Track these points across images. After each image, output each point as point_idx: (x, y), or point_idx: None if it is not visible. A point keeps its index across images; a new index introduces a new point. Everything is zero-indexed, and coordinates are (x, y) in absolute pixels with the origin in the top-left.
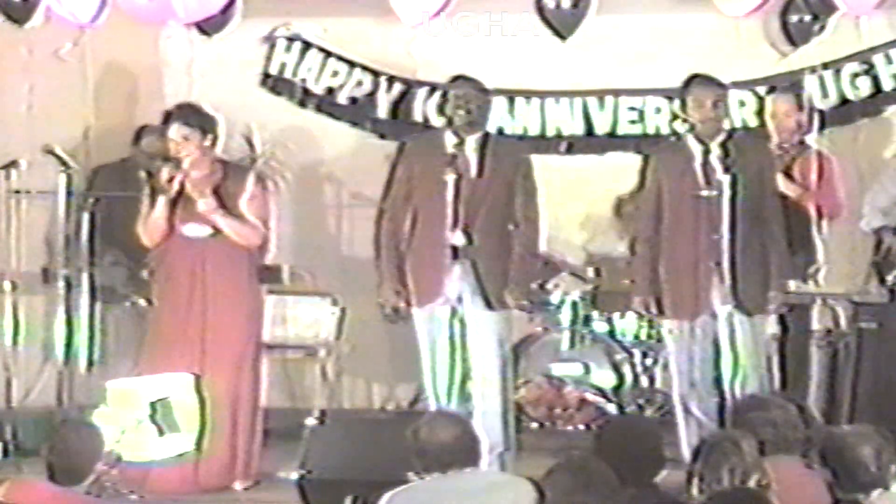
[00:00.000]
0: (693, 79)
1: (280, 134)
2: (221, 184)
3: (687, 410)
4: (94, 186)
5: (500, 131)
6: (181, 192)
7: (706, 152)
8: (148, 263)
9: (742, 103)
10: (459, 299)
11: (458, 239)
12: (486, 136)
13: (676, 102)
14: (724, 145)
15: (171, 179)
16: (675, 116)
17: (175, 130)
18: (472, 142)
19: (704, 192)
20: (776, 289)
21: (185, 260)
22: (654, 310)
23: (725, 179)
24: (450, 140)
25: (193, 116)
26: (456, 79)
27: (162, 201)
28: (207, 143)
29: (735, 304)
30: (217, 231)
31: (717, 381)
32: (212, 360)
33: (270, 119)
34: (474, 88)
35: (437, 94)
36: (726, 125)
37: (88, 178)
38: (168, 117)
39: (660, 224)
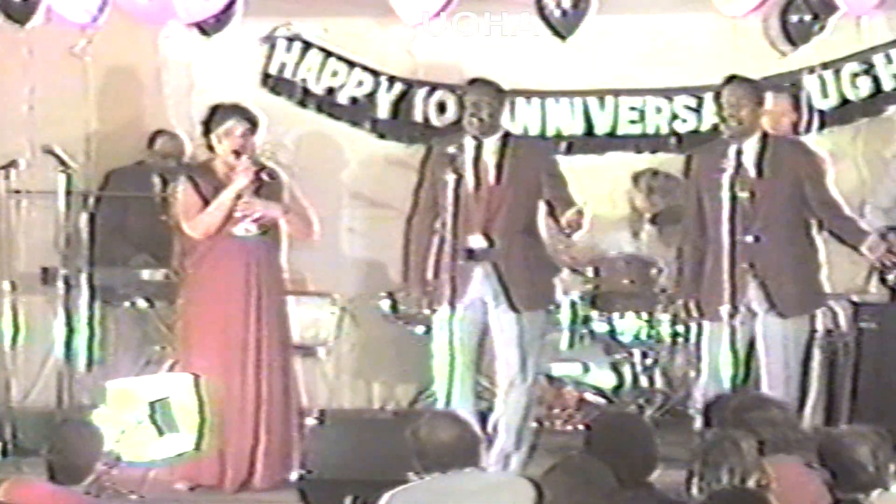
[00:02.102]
0: (730, 79)
1: (280, 134)
2: (262, 185)
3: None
4: (109, 190)
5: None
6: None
7: (738, 153)
8: (169, 262)
9: None
10: (483, 303)
11: (475, 241)
12: (507, 136)
13: (675, 101)
14: (760, 145)
15: (258, 172)
16: (721, 119)
17: (236, 124)
18: (490, 143)
19: (740, 193)
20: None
21: (237, 258)
22: (695, 313)
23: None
24: (469, 143)
25: (248, 114)
26: (473, 82)
27: (232, 193)
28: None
29: (769, 306)
30: (265, 230)
31: (747, 381)
32: (265, 358)
33: (271, 119)
34: (489, 93)
35: (438, 95)
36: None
37: (102, 181)
38: (215, 112)
39: (704, 227)
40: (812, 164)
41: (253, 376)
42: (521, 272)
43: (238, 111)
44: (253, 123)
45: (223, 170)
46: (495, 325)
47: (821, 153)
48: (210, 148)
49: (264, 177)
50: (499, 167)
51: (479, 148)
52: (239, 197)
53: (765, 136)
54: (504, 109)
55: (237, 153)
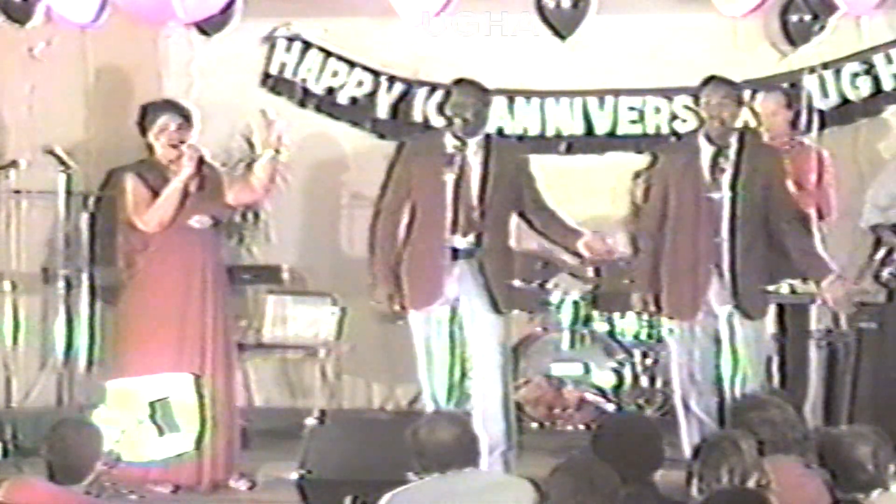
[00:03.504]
0: (709, 80)
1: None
2: (207, 179)
3: (688, 409)
4: (111, 189)
5: (501, 132)
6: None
7: (717, 153)
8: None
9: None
10: (457, 300)
11: (459, 241)
12: (488, 137)
13: (675, 101)
14: (737, 146)
15: (200, 157)
16: (698, 117)
17: (170, 119)
18: (473, 144)
19: (715, 195)
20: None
21: (192, 251)
22: (652, 307)
23: (724, 181)
24: (450, 141)
25: (181, 108)
26: (458, 82)
27: (180, 181)
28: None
29: (735, 305)
30: (217, 222)
31: (718, 380)
32: (219, 353)
33: None
34: (473, 94)
35: (438, 95)
36: (738, 126)
37: (104, 180)
38: (147, 112)
39: (664, 223)
40: (782, 174)
41: (207, 373)
42: (504, 272)
43: (170, 107)
44: (186, 117)
45: (166, 164)
46: (471, 324)
47: (815, 154)
48: (150, 148)
49: (207, 162)
50: (484, 168)
51: (462, 146)
52: (187, 187)
53: (742, 137)
54: (489, 110)
55: (174, 147)
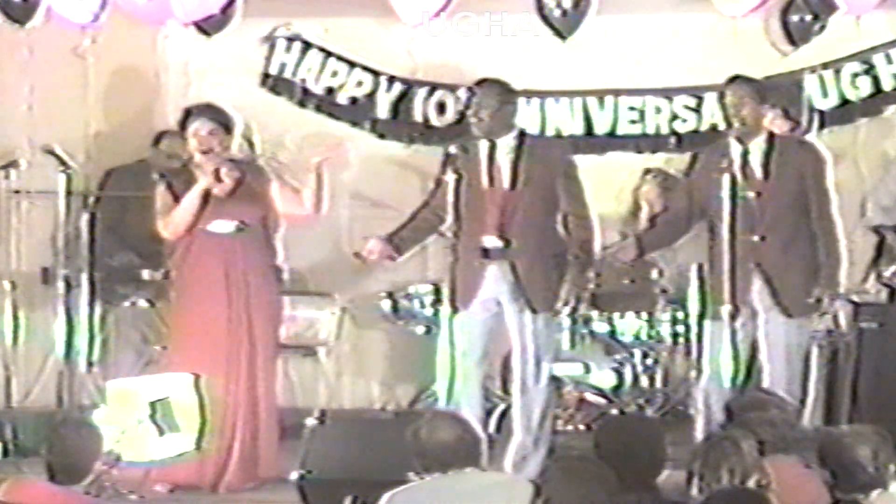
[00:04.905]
0: (732, 79)
1: (280, 134)
2: (242, 182)
3: (707, 407)
4: (108, 188)
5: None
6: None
7: (745, 153)
8: (161, 263)
9: None
10: (497, 302)
11: (490, 241)
12: (523, 136)
13: (675, 102)
14: (766, 145)
15: (217, 170)
16: (727, 120)
17: (201, 125)
18: (504, 144)
19: (747, 194)
20: (823, 288)
21: (215, 256)
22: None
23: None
24: (483, 143)
25: (217, 113)
26: (481, 82)
27: (196, 192)
28: (228, 141)
29: (775, 305)
30: (243, 227)
31: (748, 380)
32: (245, 357)
33: (270, 119)
34: (491, 94)
35: (438, 95)
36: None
37: (101, 178)
38: (188, 115)
39: (691, 223)
40: (818, 168)
41: (230, 376)
42: (538, 272)
43: (207, 111)
44: (221, 123)
45: (195, 170)
46: (510, 325)
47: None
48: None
49: (223, 171)
50: (514, 168)
51: (492, 148)
52: (207, 195)
53: (771, 136)
54: (513, 109)
55: (205, 153)
